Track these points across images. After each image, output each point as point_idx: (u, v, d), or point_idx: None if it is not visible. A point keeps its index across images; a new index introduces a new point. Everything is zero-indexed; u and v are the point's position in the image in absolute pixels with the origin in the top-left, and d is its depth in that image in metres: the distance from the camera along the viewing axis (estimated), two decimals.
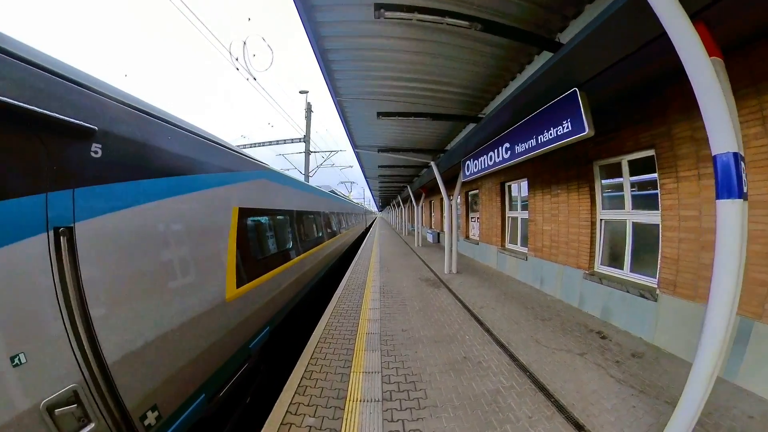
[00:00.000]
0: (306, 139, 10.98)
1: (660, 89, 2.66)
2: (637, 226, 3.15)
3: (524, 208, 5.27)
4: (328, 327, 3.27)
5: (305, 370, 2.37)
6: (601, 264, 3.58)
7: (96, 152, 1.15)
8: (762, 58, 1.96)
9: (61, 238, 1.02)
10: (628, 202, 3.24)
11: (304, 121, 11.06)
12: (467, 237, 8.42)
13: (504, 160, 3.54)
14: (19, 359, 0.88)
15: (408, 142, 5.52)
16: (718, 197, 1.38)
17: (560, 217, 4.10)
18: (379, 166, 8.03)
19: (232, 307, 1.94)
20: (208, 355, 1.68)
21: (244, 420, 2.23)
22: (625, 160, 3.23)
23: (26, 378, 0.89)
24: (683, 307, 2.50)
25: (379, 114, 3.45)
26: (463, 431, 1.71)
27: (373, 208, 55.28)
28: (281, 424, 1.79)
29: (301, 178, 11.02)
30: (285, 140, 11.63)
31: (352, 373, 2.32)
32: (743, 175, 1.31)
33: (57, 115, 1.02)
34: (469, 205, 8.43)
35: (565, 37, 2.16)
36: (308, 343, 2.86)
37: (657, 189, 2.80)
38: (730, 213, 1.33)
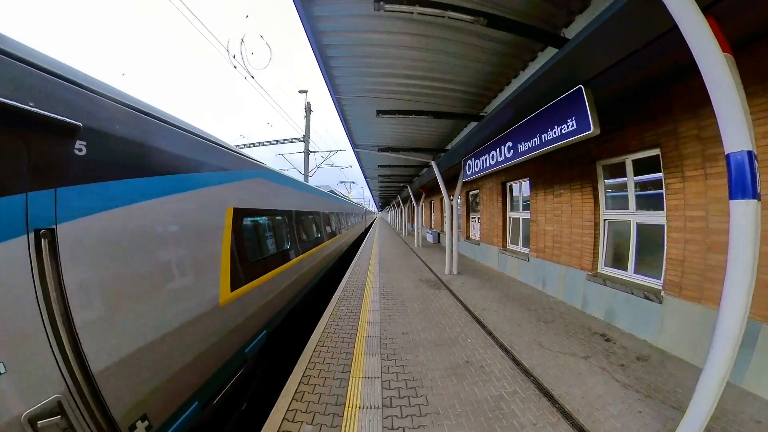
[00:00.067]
0: (305, 138, 10.92)
1: (666, 87, 2.61)
2: (641, 227, 3.10)
3: (526, 208, 5.21)
4: (326, 330, 3.21)
5: (303, 375, 2.31)
6: (604, 265, 3.53)
7: (80, 150, 1.10)
8: None
9: (43, 240, 0.97)
10: (632, 202, 3.19)
11: (304, 121, 11.00)
12: (468, 237, 8.37)
13: (506, 160, 3.48)
14: None
15: (408, 142, 5.47)
16: (731, 197, 1.33)
17: (563, 217, 4.05)
18: (378, 166, 7.98)
19: (226, 310, 1.87)
20: (201, 362, 1.62)
21: (240, 427, 2.16)
22: (629, 160, 3.17)
23: (6, 388, 0.84)
24: (689, 309, 2.45)
25: (378, 112, 3.39)
26: None
27: (373, 208, 55.24)
28: (278, 431, 1.73)
29: (301, 177, 10.96)
30: (284, 140, 11.58)
31: (351, 378, 2.26)
32: (757, 175, 1.26)
33: (38, 110, 0.96)
34: (470, 205, 8.38)
35: (570, 33, 2.11)
36: (306, 347, 2.80)
37: (661, 189, 2.76)
38: (744, 214, 1.28)
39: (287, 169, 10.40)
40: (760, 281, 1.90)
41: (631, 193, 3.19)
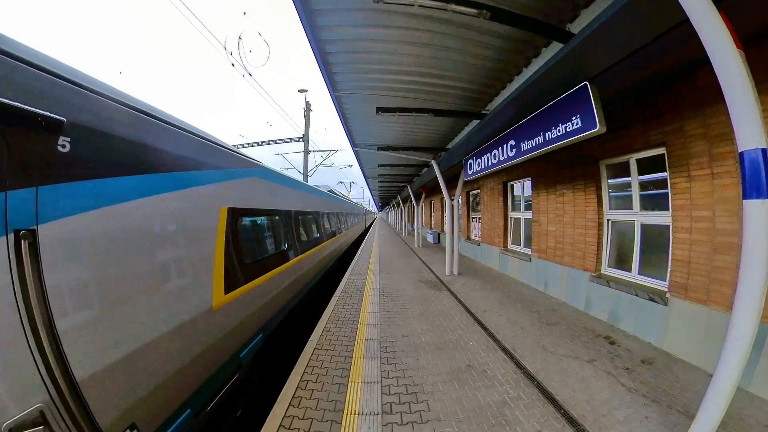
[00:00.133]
0: (305, 138, 10.86)
1: (671, 85, 2.56)
2: (645, 227, 3.04)
3: (527, 208, 5.16)
4: (325, 333, 3.15)
5: (300, 380, 2.25)
6: (608, 266, 3.47)
7: (64, 146, 1.04)
8: None
9: (22, 241, 0.91)
10: (636, 202, 3.13)
11: (303, 120, 10.95)
12: (468, 237, 8.31)
13: (509, 158, 3.42)
14: None
15: (408, 140, 5.41)
16: (745, 197, 1.27)
17: (565, 217, 3.99)
18: (378, 165, 7.92)
19: (220, 314, 1.81)
20: (193, 368, 1.56)
21: None
22: (633, 159, 3.12)
23: None
24: (695, 311, 2.40)
25: (378, 109, 3.33)
26: None
27: (373, 208, 55.20)
28: None
29: (300, 177, 10.90)
30: (284, 139, 11.52)
31: (350, 383, 2.20)
32: None
33: (18, 104, 0.91)
34: (471, 205, 8.33)
35: (575, 28, 2.05)
36: (304, 351, 2.74)
37: (666, 189, 2.71)
38: (758, 214, 1.23)
39: (286, 169, 10.34)
40: None
41: (635, 193, 3.13)
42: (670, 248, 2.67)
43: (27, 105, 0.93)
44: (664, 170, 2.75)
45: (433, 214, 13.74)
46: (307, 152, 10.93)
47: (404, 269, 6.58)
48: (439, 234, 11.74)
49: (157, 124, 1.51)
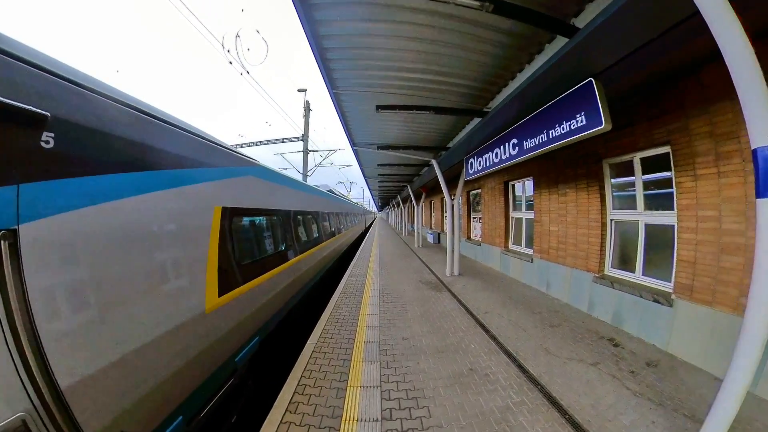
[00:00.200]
0: (304, 137, 10.80)
1: (676, 82, 2.51)
2: (649, 228, 3.00)
3: (529, 207, 5.11)
4: (323, 335, 3.09)
5: (298, 384, 2.19)
6: (611, 267, 3.42)
7: (47, 142, 0.99)
8: None
9: (2, 241, 0.87)
10: (640, 201, 3.09)
11: (302, 120, 10.89)
12: (469, 238, 8.26)
13: (511, 157, 3.37)
14: None
15: (408, 139, 5.35)
16: (759, 195, 1.22)
17: (568, 217, 3.94)
18: (378, 165, 7.86)
19: (213, 317, 1.75)
20: (185, 373, 1.51)
21: None
22: (637, 158, 3.08)
23: None
24: (700, 313, 2.36)
25: (378, 107, 3.27)
26: None
27: (373, 208, 55.15)
28: None
29: (300, 177, 10.84)
30: (283, 139, 11.45)
31: (348, 388, 2.14)
32: None
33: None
34: (471, 205, 8.28)
35: (580, 23, 2.00)
36: (302, 354, 2.68)
37: (671, 188, 2.66)
38: None
39: (286, 169, 10.28)
40: None
41: (639, 193, 3.09)
42: (675, 249, 2.62)
43: (8, 99, 0.88)
44: (669, 169, 2.70)
45: (433, 214, 13.69)
46: (306, 152, 10.88)
47: (404, 270, 6.53)
48: (439, 234, 11.68)
49: (147, 120, 1.46)
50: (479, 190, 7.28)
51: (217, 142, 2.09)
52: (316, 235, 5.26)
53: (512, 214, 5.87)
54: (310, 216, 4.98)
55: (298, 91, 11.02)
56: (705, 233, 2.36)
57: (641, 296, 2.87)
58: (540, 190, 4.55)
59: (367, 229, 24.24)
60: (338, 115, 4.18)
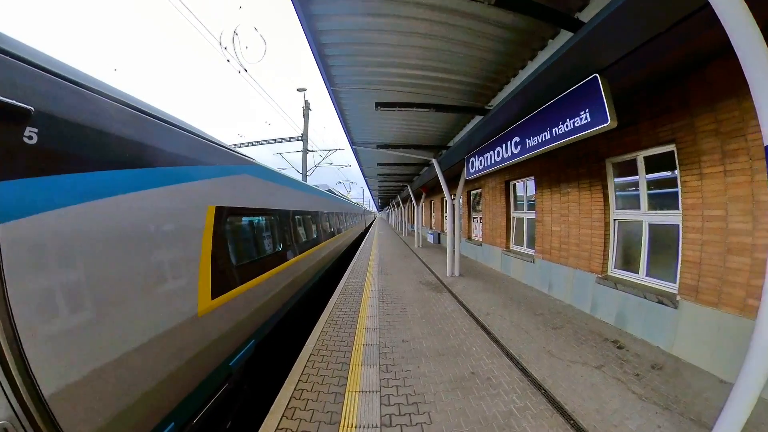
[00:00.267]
0: (304, 137, 10.75)
1: (681, 78, 2.47)
2: (653, 228, 2.95)
3: (531, 207, 5.06)
4: (322, 337, 3.03)
5: (295, 389, 2.13)
6: (615, 267, 3.37)
7: (30, 137, 0.94)
8: None
9: None
10: (643, 201, 3.04)
11: (302, 120, 10.84)
12: (469, 238, 8.21)
13: (513, 156, 3.31)
14: None
15: (408, 138, 5.29)
16: None
17: (570, 217, 3.89)
18: (378, 164, 7.80)
19: (206, 321, 1.69)
20: (177, 378, 1.45)
21: None
22: (640, 157, 3.03)
23: None
24: (706, 314, 2.31)
25: (377, 104, 3.21)
26: None
27: (373, 208, 55.10)
28: None
29: (299, 177, 10.78)
30: (282, 139, 11.39)
31: (347, 393, 2.08)
32: None
33: None
34: (471, 205, 8.23)
35: (584, 17, 1.94)
36: (299, 357, 2.62)
37: (675, 187, 2.62)
38: None
39: (285, 168, 10.22)
40: None
41: (643, 192, 3.04)
42: (680, 249, 2.58)
43: None
44: (674, 168, 2.66)
45: (433, 214, 13.64)
46: (305, 151, 10.82)
47: (404, 270, 6.48)
48: (439, 234, 11.64)
49: (136, 116, 1.40)
50: (480, 190, 7.23)
51: (211, 139, 2.03)
52: (314, 235, 5.20)
53: (513, 213, 5.81)
54: (308, 216, 4.91)
55: (298, 90, 10.97)
56: (711, 233, 2.32)
57: (645, 297, 2.83)
58: (542, 189, 4.50)
59: (366, 230, 24.17)
60: (337, 114, 4.13)
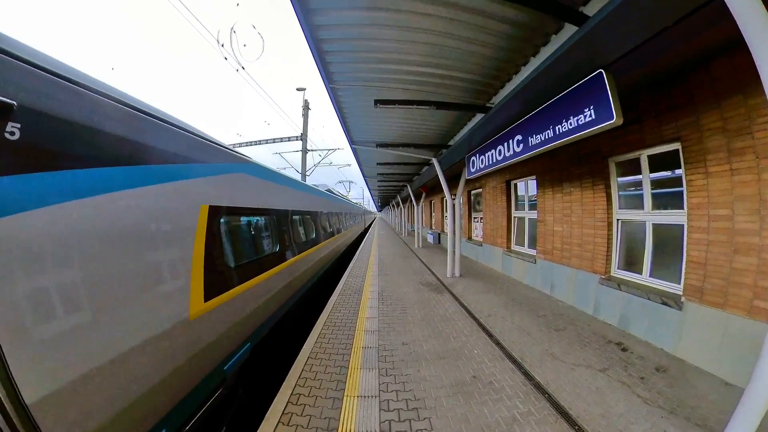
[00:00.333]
0: (303, 137, 10.69)
1: (686, 75, 2.42)
2: (657, 228, 2.90)
3: (532, 207, 5.01)
4: (320, 340, 2.97)
5: (291, 393, 2.08)
6: (618, 268, 3.32)
7: (12, 133, 0.90)
8: None
9: None
10: (647, 201, 2.99)
11: (301, 119, 10.78)
12: (470, 238, 8.16)
13: (515, 154, 3.25)
14: None
15: (408, 137, 5.24)
16: None
17: (573, 217, 3.84)
18: (377, 164, 7.75)
19: (198, 324, 1.62)
20: (168, 384, 1.39)
21: None
22: (644, 155, 2.98)
23: None
24: (711, 316, 2.27)
25: (376, 102, 3.15)
26: None
27: (373, 208, 55.06)
28: None
29: (298, 176, 10.72)
30: (281, 138, 11.33)
31: (345, 398, 2.03)
32: None
33: None
34: (472, 205, 8.18)
35: (588, 11, 1.89)
36: (296, 360, 2.56)
37: (680, 187, 2.57)
38: None
39: (285, 168, 10.16)
40: None
41: (647, 192, 2.99)
42: (685, 249, 2.53)
43: None
44: (678, 167, 2.61)
45: (433, 214, 13.60)
46: (305, 151, 10.76)
47: (404, 271, 6.42)
48: (439, 234, 11.59)
49: (125, 111, 1.34)
50: (480, 190, 7.18)
51: (204, 137, 1.96)
52: (313, 235, 5.14)
53: (514, 213, 5.76)
54: (306, 216, 4.85)
55: (297, 90, 10.91)
56: (717, 233, 2.27)
57: (649, 298, 2.79)
58: (543, 189, 4.45)
59: (366, 230, 24.11)
60: (336, 112, 4.07)
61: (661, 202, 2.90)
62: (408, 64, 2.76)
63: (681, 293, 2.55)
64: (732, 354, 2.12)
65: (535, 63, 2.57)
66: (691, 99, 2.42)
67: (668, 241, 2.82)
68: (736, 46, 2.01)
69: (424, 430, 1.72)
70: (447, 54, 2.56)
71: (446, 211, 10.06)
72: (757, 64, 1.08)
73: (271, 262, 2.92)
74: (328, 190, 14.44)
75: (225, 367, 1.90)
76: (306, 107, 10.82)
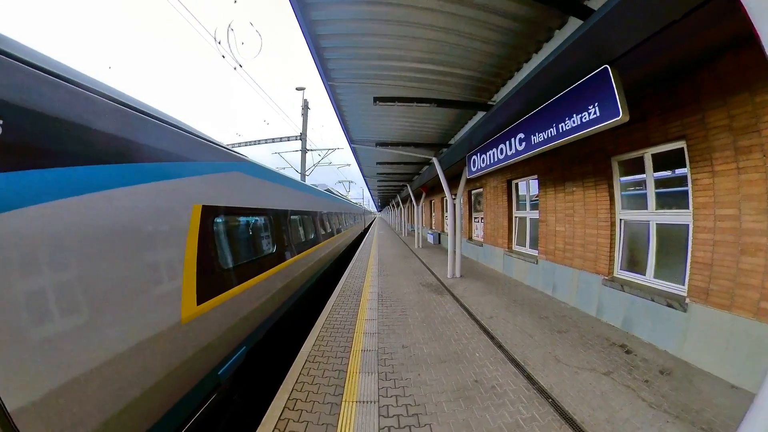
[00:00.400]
0: (302, 136, 10.63)
1: (692, 72, 2.37)
2: (661, 228, 2.86)
3: (533, 207, 4.96)
4: (318, 342, 2.91)
5: (288, 399, 2.02)
6: (621, 269, 3.28)
7: None
8: None
9: None
10: (651, 200, 2.94)
11: (301, 119, 10.72)
12: (470, 238, 8.11)
13: (518, 153, 3.20)
14: None
15: (408, 136, 5.18)
16: None
17: (575, 217, 3.79)
18: (377, 163, 7.69)
19: (191, 328, 1.57)
20: (159, 390, 1.34)
21: None
22: (648, 154, 2.94)
23: None
24: (717, 318, 2.23)
25: (376, 99, 3.10)
26: None
27: (372, 208, 54.98)
28: None
29: (298, 176, 10.66)
30: (281, 138, 11.27)
31: (343, 403, 1.97)
32: None
33: None
34: (473, 205, 8.13)
35: (594, 4, 1.84)
36: (294, 364, 2.50)
37: (684, 186, 2.53)
38: None
39: (284, 168, 10.10)
40: None
41: (651, 191, 2.94)
42: (690, 250, 2.49)
43: None
44: (683, 166, 2.56)
45: (433, 214, 13.54)
46: (304, 151, 10.70)
47: (404, 271, 6.37)
48: (439, 234, 11.54)
49: (114, 107, 1.29)
50: (481, 189, 7.13)
51: (198, 134, 1.90)
52: (311, 236, 5.08)
53: (516, 213, 5.71)
54: (305, 216, 4.79)
55: (297, 89, 10.85)
56: (723, 233, 2.23)
57: (653, 300, 2.74)
58: (545, 188, 4.39)
59: (366, 230, 24.04)
60: (335, 110, 4.01)
61: (665, 201, 2.86)
62: (408, 60, 2.71)
63: (685, 294, 2.50)
64: (738, 356, 2.08)
65: (537, 59, 2.52)
66: (697, 96, 2.38)
67: (672, 242, 2.77)
68: (743, 42, 1.97)
69: None
70: (448, 50, 2.51)
71: (446, 211, 10.01)
72: None
73: (267, 264, 2.86)
74: (328, 190, 14.39)
75: (219, 372, 1.84)
76: (305, 107, 10.77)
